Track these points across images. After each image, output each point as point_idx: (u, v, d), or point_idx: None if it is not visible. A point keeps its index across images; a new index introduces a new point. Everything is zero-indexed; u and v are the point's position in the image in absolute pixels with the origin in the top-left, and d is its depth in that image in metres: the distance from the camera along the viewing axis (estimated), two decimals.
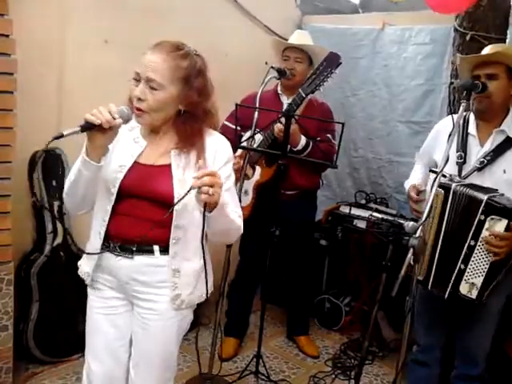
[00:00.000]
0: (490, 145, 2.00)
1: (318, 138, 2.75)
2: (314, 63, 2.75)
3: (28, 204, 2.64)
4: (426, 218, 1.76)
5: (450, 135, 1.86)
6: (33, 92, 2.47)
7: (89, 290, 1.66)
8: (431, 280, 1.94)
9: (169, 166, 1.52)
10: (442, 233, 1.91)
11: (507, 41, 2.57)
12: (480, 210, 1.82)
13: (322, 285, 3.51)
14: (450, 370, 2.19)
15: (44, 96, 2.58)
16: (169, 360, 1.65)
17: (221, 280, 2.54)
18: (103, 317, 1.62)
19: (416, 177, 2.25)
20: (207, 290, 1.59)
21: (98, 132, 1.37)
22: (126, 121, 1.44)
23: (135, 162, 1.53)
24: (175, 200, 1.47)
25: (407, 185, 2.22)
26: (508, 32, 2.57)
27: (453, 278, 1.88)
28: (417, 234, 1.73)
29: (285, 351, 3.11)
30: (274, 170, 2.67)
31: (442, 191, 1.90)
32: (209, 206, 1.37)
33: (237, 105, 2.41)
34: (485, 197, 1.81)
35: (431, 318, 2.16)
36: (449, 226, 1.90)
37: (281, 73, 2.56)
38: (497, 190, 1.88)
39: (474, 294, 1.84)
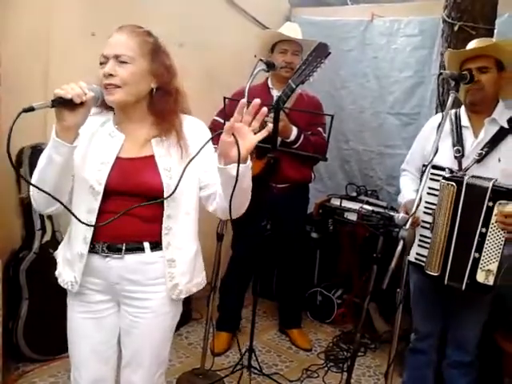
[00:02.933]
0: (483, 134, 2.05)
1: (309, 132, 2.74)
2: (304, 55, 2.74)
3: (16, 201, 2.62)
4: (415, 211, 1.77)
5: (438, 126, 1.88)
6: (18, 86, 2.44)
7: (70, 297, 1.59)
8: (447, 275, 1.95)
9: (152, 156, 1.49)
10: (457, 226, 1.93)
11: (495, 31, 2.57)
12: (487, 196, 1.86)
13: (314, 278, 3.51)
14: (441, 358, 2.22)
15: (30, 91, 2.54)
16: (161, 356, 1.63)
17: (212, 274, 2.53)
18: (88, 321, 1.57)
19: (410, 190, 2.22)
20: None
21: (68, 110, 1.30)
22: (97, 100, 1.39)
23: (117, 158, 1.49)
24: (165, 190, 1.44)
25: (401, 200, 2.22)
26: (496, 23, 2.57)
27: (468, 268, 1.90)
28: (407, 226, 1.74)
29: (277, 344, 3.11)
30: (264, 162, 2.65)
31: (454, 184, 1.92)
32: (246, 153, 1.28)
33: (225, 98, 2.39)
34: (490, 184, 1.87)
35: (428, 305, 2.19)
36: (462, 218, 1.92)
37: (269, 65, 2.54)
38: (496, 179, 1.90)
39: (491, 281, 1.86)
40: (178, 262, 1.53)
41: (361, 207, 3.17)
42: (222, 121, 2.63)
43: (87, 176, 1.46)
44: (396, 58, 3.39)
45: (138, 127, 1.51)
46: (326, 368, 2.85)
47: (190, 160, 1.39)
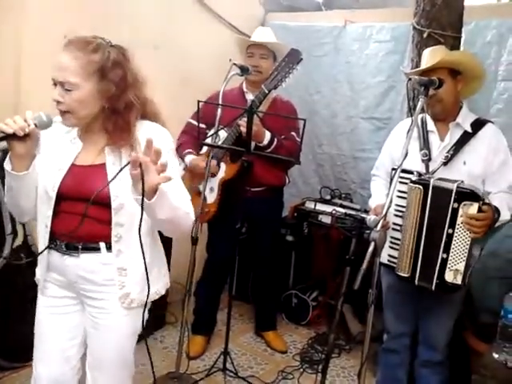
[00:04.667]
0: (448, 138, 2.11)
1: (283, 136, 2.77)
2: (277, 60, 2.77)
3: None
4: (385, 213, 1.81)
5: (408, 131, 1.93)
6: None
7: (39, 293, 1.65)
8: (417, 275, 2.00)
9: (103, 164, 1.51)
10: (425, 228, 1.98)
11: (462, 40, 2.64)
12: (452, 198, 1.91)
13: (289, 280, 3.53)
14: (414, 357, 2.27)
15: (1, 96, 2.51)
16: (124, 359, 1.63)
17: (187, 278, 2.52)
18: (53, 316, 1.61)
19: (380, 195, 2.27)
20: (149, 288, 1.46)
21: (16, 141, 1.37)
22: (46, 126, 1.43)
23: (72, 165, 1.53)
24: (112, 199, 1.47)
25: (372, 204, 2.26)
26: (463, 31, 2.65)
27: (437, 269, 1.95)
28: (378, 228, 1.78)
29: (253, 347, 3.12)
30: (238, 166, 2.67)
31: (421, 187, 1.97)
32: (148, 189, 1.29)
33: (198, 101, 2.40)
34: (454, 186, 1.92)
35: (400, 306, 2.23)
36: (430, 220, 1.97)
37: (243, 70, 2.56)
38: (462, 181, 1.96)
39: (459, 280, 1.91)
40: (130, 271, 1.54)
41: (333, 210, 3.21)
42: (196, 123, 2.64)
43: (45, 182, 1.52)
44: (368, 63, 3.46)
45: (99, 136, 1.54)
46: (302, 369, 2.87)
47: (121, 169, 1.41)
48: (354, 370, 2.90)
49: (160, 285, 1.66)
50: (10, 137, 1.35)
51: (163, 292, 1.68)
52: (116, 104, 1.48)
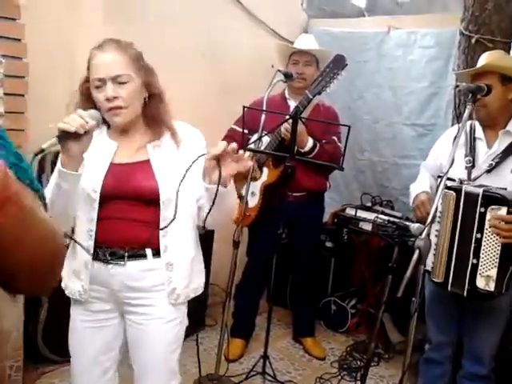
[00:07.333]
0: (497, 146, 2.07)
1: (324, 141, 2.77)
2: (320, 66, 2.78)
3: None
4: (431, 220, 1.79)
5: (455, 138, 1.91)
6: (43, 95, 2.51)
7: (74, 306, 1.61)
8: (450, 281, 1.98)
9: (147, 161, 1.51)
10: (457, 234, 1.96)
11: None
12: (479, 202, 1.88)
13: (328, 287, 3.51)
14: (457, 368, 2.22)
15: (53, 99, 2.61)
16: (172, 367, 1.61)
17: (228, 281, 2.56)
18: (90, 330, 1.58)
19: (424, 183, 2.27)
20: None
21: (72, 140, 1.30)
22: (98, 123, 1.41)
23: (111, 164, 1.51)
24: (161, 194, 1.47)
25: (413, 189, 2.25)
26: None
27: (468, 275, 1.92)
28: (423, 236, 1.76)
29: (291, 353, 3.12)
30: (280, 171, 2.69)
31: (454, 194, 1.95)
32: (224, 179, 1.37)
33: (244, 107, 2.43)
34: (480, 190, 1.89)
35: (443, 316, 2.20)
36: (462, 226, 1.95)
37: (287, 76, 2.58)
38: (505, 189, 1.92)
39: (491, 287, 1.87)
40: (176, 266, 1.53)
41: (376, 217, 3.18)
42: (240, 130, 2.68)
43: (84, 185, 1.46)
44: (412, 69, 3.42)
45: (131, 135, 1.55)
46: (340, 377, 2.85)
47: (186, 170, 1.45)
48: (393, 379, 2.86)
49: (201, 281, 1.66)
50: (71, 136, 1.28)
51: (201, 290, 1.66)
52: (155, 90, 1.53)
